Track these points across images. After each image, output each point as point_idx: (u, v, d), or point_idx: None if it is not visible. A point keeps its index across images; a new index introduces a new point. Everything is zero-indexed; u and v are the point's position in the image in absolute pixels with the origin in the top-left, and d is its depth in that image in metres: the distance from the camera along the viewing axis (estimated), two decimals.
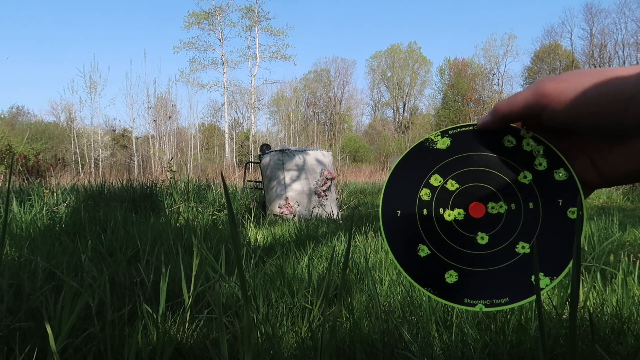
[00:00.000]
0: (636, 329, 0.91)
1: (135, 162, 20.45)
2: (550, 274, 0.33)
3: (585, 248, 1.86)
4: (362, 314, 1.05)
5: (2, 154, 8.20)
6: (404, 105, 35.39)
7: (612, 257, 1.52)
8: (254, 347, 0.65)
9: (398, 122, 35.33)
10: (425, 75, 35.23)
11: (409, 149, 0.39)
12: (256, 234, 2.52)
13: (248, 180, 4.99)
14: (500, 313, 0.93)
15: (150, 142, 20.95)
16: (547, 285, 0.33)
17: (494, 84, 32.26)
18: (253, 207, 3.93)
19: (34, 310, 0.95)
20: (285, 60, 25.95)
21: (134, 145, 21.24)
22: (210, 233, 2.16)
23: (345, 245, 1.83)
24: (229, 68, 25.56)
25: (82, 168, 16.55)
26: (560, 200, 0.34)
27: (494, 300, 0.34)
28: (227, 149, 24.43)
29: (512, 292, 0.34)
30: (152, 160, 19.40)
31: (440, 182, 0.37)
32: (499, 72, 32.00)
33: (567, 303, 1.02)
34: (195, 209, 3.29)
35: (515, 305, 0.34)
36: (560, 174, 0.34)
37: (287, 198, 3.81)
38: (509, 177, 0.35)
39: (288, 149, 3.92)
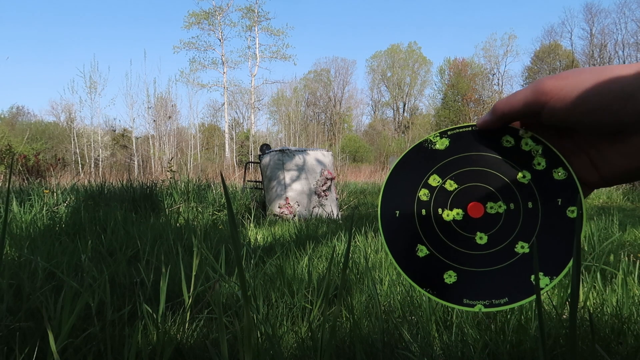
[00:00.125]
0: (636, 329, 0.91)
1: (135, 162, 20.45)
2: (549, 274, 0.33)
3: (585, 248, 1.86)
4: (362, 314, 1.05)
5: (2, 154, 8.20)
6: (404, 105, 35.40)
7: (612, 257, 1.52)
8: (254, 347, 0.65)
9: (398, 122, 35.33)
10: (425, 75, 35.26)
11: (407, 150, 0.38)
12: (256, 234, 2.52)
13: (248, 180, 4.99)
14: (500, 313, 0.93)
15: (150, 142, 20.96)
16: (546, 285, 0.33)
17: (494, 84, 32.28)
18: (253, 207, 3.93)
19: (34, 310, 0.95)
20: (285, 60, 25.96)
21: (134, 145, 21.24)
22: (210, 233, 2.16)
23: (345, 245, 1.83)
24: (229, 68, 25.58)
25: (82, 168, 16.55)
26: (560, 200, 0.34)
27: (493, 300, 0.34)
28: (227, 149, 24.43)
29: (511, 292, 0.34)
30: (152, 160, 19.41)
31: (439, 182, 0.37)
32: (499, 72, 32.02)
33: (567, 303, 1.02)
34: (195, 209, 3.29)
35: (515, 305, 0.33)
36: (559, 173, 0.34)
37: (287, 198, 3.81)
38: (508, 177, 0.35)
39: (288, 149, 3.92)
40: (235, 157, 23.74)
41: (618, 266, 1.35)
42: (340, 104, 35.10)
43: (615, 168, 0.32)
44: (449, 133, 0.37)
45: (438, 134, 0.38)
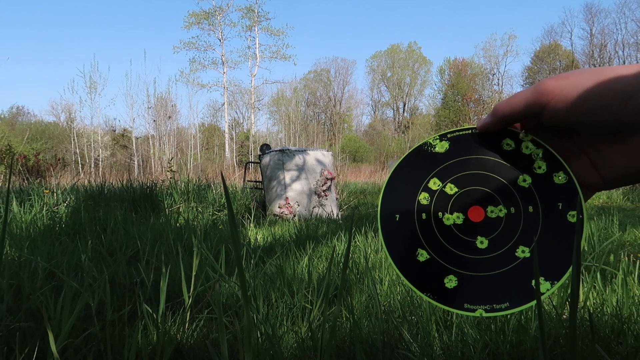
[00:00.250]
0: (636, 329, 0.91)
1: (135, 162, 20.45)
2: (550, 279, 0.33)
3: (585, 248, 1.86)
4: (362, 314, 1.05)
5: (2, 154, 8.20)
6: (404, 105, 35.39)
7: (612, 257, 1.52)
8: (254, 347, 0.65)
9: (398, 122, 35.33)
10: (425, 75, 35.26)
11: (407, 153, 0.38)
12: (256, 234, 2.52)
13: (248, 180, 4.99)
14: None
15: (150, 142, 20.96)
16: (547, 290, 0.33)
17: (494, 84, 32.27)
18: (253, 207, 3.93)
19: (34, 310, 0.95)
20: (285, 60, 25.97)
21: (134, 145, 21.24)
22: (210, 233, 2.16)
23: (345, 245, 1.83)
24: (229, 68, 25.58)
25: (82, 168, 16.56)
26: (560, 204, 0.34)
27: (494, 305, 0.34)
28: (227, 149, 24.43)
29: (512, 297, 0.33)
30: (152, 160, 19.41)
31: (439, 186, 0.37)
32: (499, 72, 32.01)
33: (567, 303, 1.02)
34: (195, 209, 3.29)
35: (516, 310, 0.33)
36: (560, 177, 0.34)
37: (287, 198, 3.81)
38: (509, 181, 0.35)
39: (288, 149, 3.92)
40: (235, 157, 23.74)
41: (618, 266, 1.35)
42: (340, 104, 35.11)
43: (616, 169, 0.32)
44: (448, 136, 0.37)
45: (438, 137, 0.38)
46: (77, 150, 21.34)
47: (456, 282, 0.35)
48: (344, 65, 35.70)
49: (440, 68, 34.55)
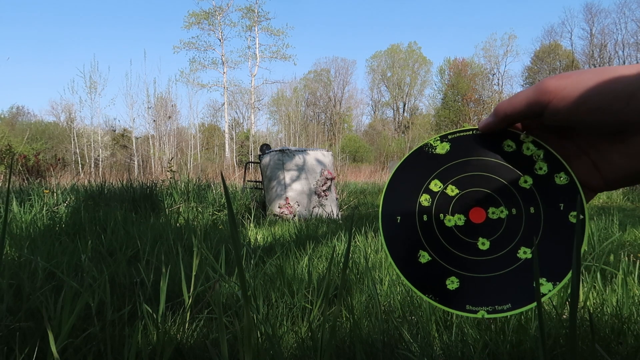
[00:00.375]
0: (636, 329, 0.91)
1: (135, 162, 20.45)
2: (552, 279, 0.33)
3: (586, 248, 1.86)
4: (362, 314, 1.05)
5: (2, 154, 8.20)
6: (404, 105, 35.39)
7: (612, 257, 1.52)
8: (254, 347, 0.65)
9: (398, 122, 35.33)
10: (425, 75, 35.26)
11: (407, 154, 0.38)
12: (256, 234, 2.52)
13: (248, 180, 4.99)
14: None
15: (150, 142, 20.96)
16: (549, 291, 0.33)
17: (494, 84, 32.27)
18: (253, 207, 3.93)
19: (34, 310, 0.95)
20: (285, 60, 25.97)
21: (134, 145, 21.25)
22: (210, 233, 2.15)
23: (345, 245, 1.83)
24: (229, 68, 25.59)
25: (82, 168, 16.55)
26: (562, 205, 0.34)
27: (497, 306, 0.34)
28: (227, 149, 24.43)
29: (514, 298, 0.33)
30: (152, 160, 19.41)
31: (440, 187, 0.37)
32: (499, 72, 32.01)
33: (567, 303, 1.02)
34: (195, 209, 3.29)
35: (518, 311, 0.33)
36: (561, 178, 0.34)
37: (287, 198, 3.81)
38: (510, 182, 0.35)
39: (288, 149, 3.92)
40: (235, 157, 23.74)
41: (618, 266, 1.35)
42: (340, 104, 35.11)
43: (617, 169, 0.32)
44: (449, 137, 0.37)
45: (438, 138, 0.37)
46: (77, 150, 21.35)
47: (458, 283, 0.35)
48: (344, 65, 35.72)
49: (440, 68, 34.57)
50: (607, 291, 1.14)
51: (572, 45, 30.01)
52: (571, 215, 0.33)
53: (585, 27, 31.80)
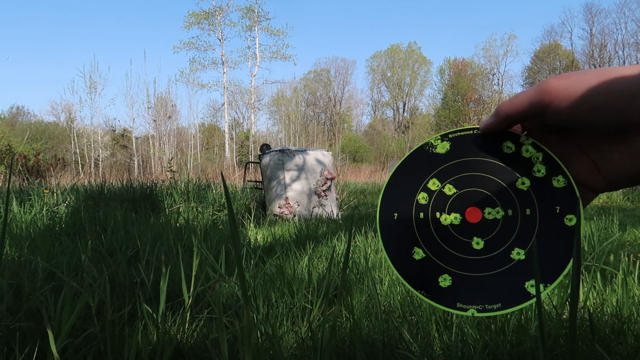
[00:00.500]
0: (636, 329, 0.91)
1: (135, 162, 20.46)
2: (543, 281, 0.33)
3: (585, 248, 1.86)
4: (362, 314, 1.05)
5: (2, 154, 8.20)
6: (404, 105, 35.40)
7: (612, 257, 1.52)
8: (254, 347, 0.65)
9: (398, 122, 35.33)
10: (425, 75, 35.26)
11: (408, 153, 0.39)
12: (256, 234, 2.52)
13: (248, 180, 4.99)
14: None
15: (150, 142, 20.96)
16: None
17: (494, 84, 32.27)
18: (253, 207, 3.93)
19: (34, 310, 0.95)
20: (285, 60, 25.97)
21: (134, 145, 21.25)
22: (210, 233, 2.15)
23: (345, 245, 1.83)
24: (229, 68, 25.58)
25: (82, 168, 16.55)
26: (558, 207, 0.34)
27: (487, 305, 0.34)
28: (227, 149, 24.43)
29: (504, 298, 0.34)
30: (152, 160, 19.41)
31: (438, 186, 0.37)
32: (499, 72, 32.01)
33: (567, 303, 1.02)
34: (195, 209, 3.29)
35: (508, 311, 0.33)
36: (559, 181, 0.34)
37: (287, 198, 3.81)
38: (507, 183, 0.35)
39: (288, 149, 3.92)
40: (235, 157, 23.74)
41: (618, 266, 1.35)
42: (340, 104, 35.11)
43: (618, 170, 0.32)
44: (450, 136, 0.37)
45: (439, 137, 0.38)
46: (77, 150, 21.35)
47: (450, 281, 0.35)
48: (344, 65, 35.73)
49: (440, 68, 34.57)
50: (607, 291, 1.14)
51: (572, 45, 30.04)
52: (567, 219, 0.34)
53: (585, 27, 31.82)
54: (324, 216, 3.78)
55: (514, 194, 0.35)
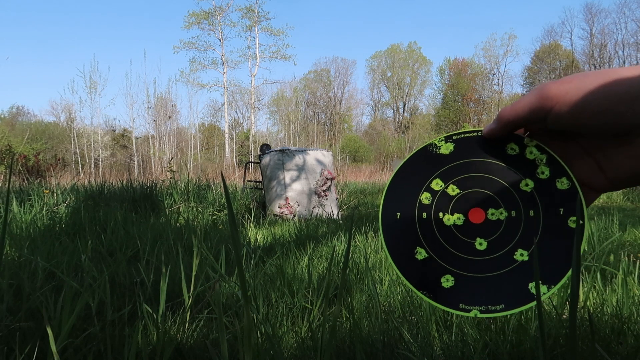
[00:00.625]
0: (636, 329, 0.91)
1: (135, 162, 20.46)
2: (547, 282, 0.33)
3: (585, 248, 1.86)
4: (362, 314, 1.05)
5: (2, 154, 8.20)
6: (404, 105, 35.39)
7: (612, 257, 1.52)
8: (254, 347, 0.65)
9: (398, 122, 35.32)
10: (425, 75, 35.25)
11: (412, 153, 0.39)
12: (256, 234, 2.52)
13: (248, 180, 4.99)
14: None
15: (150, 142, 20.95)
16: (544, 294, 0.33)
17: (494, 84, 32.26)
18: (253, 207, 3.93)
19: (34, 310, 0.95)
20: (285, 60, 25.96)
21: (134, 145, 21.25)
22: (210, 233, 2.15)
23: (345, 245, 1.82)
24: (229, 68, 25.57)
25: (82, 168, 16.55)
26: (562, 209, 0.34)
27: (490, 306, 0.34)
28: (227, 149, 24.43)
29: (508, 299, 0.34)
30: (152, 160, 19.40)
31: (441, 186, 0.37)
32: (499, 72, 32.00)
33: (567, 303, 1.02)
34: (195, 209, 3.29)
35: (510, 312, 0.33)
36: (563, 183, 0.34)
37: (287, 198, 3.81)
38: (511, 185, 0.35)
39: (288, 149, 3.92)
40: (235, 157, 23.74)
41: (618, 266, 1.35)
42: (340, 104, 35.11)
43: (623, 171, 0.32)
44: (454, 138, 0.37)
45: (443, 138, 0.38)
46: (77, 150, 21.34)
47: (453, 282, 0.35)
48: (344, 65, 35.72)
49: (440, 68, 34.57)
50: (607, 291, 1.14)
51: (572, 45, 30.03)
52: (570, 220, 0.34)
53: (585, 27, 31.80)
54: (324, 216, 3.78)
55: (517, 195, 0.35)
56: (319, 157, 4.04)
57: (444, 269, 0.36)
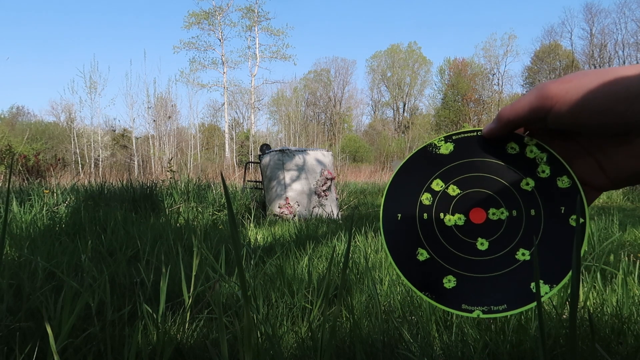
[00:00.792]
0: (636, 329, 0.91)
1: (135, 162, 20.46)
2: (549, 282, 0.33)
3: (586, 248, 1.86)
4: (362, 314, 1.05)
5: (2, 154, 8.20)
6: (404, 105, 35.39)
7: (612, 257, 1.52)
8: (254, 347, 0.65)
9: (398, 122, 35.32)
10: (425, 75, 35.25)
11: (412, 153, 0.38)
12: (256, 234, 2.52)
13: (248, 180, 4.99)
14: None
15: (150, 142, 20.95)
16: (546, 293, 0.33)
17: (494, 84, 32.25)
18: (253, 207, 3.93)
19: (34, 310, 0.95)
20: (285, 60, 25.95)
21: (134, 145, 21.24)
22: (210, 233, 2.15)
23: (345, 245, 1.82)
24: (229, 68, 25.57)
25: (82, 168, 16.54)
26: (563, 208, 0.34)
27: (492, 307, 0.34)
28: (227, 149, 24.42)
29: (510, 299, 0.33)
30: (152, 160, 19.40)
31: (441, 187, 0.37)
32: (499, 72, 32.00)
33: (567, 303, 1.02)
34: (195, 209, 3.29)
35: (513, 312, 0.33)
36: (564, 182, 0.34)
37: (287, 198, 3.81)
38: (512, 184, 0.35)
39: (288, 149, 3.92)
40: (235, 157, 23.74)
41: (618, 266, 1.35)
42: (340, 104, 35.10)
43: (623, 170, 0.32)
44: (453, 137, 0.37)
45: (443, 138, 0.38)
46: (77, 150, 21.34)
47: (455, 282, 0.35)
48: (344, 65, 35.72)
49: (440, 68, 34.56)
50: (607, 291, 1.14)
51: (572, 45, 30.03)
52: (571, 219, 0.33)
53: (585, 27, 31.80)
54: (324, 216, 3.78)
55: (518, 194, 0.35)
56: (319, 157, 4.04)
57: (446, 270, 0.35)
